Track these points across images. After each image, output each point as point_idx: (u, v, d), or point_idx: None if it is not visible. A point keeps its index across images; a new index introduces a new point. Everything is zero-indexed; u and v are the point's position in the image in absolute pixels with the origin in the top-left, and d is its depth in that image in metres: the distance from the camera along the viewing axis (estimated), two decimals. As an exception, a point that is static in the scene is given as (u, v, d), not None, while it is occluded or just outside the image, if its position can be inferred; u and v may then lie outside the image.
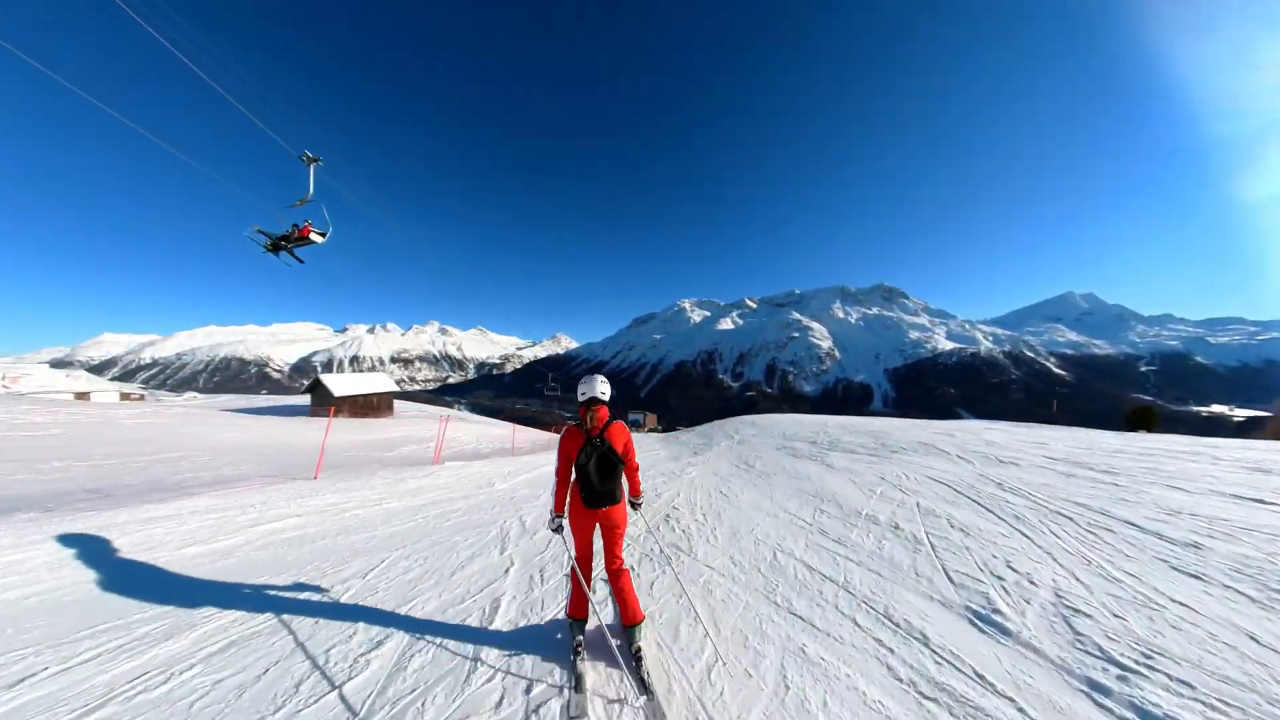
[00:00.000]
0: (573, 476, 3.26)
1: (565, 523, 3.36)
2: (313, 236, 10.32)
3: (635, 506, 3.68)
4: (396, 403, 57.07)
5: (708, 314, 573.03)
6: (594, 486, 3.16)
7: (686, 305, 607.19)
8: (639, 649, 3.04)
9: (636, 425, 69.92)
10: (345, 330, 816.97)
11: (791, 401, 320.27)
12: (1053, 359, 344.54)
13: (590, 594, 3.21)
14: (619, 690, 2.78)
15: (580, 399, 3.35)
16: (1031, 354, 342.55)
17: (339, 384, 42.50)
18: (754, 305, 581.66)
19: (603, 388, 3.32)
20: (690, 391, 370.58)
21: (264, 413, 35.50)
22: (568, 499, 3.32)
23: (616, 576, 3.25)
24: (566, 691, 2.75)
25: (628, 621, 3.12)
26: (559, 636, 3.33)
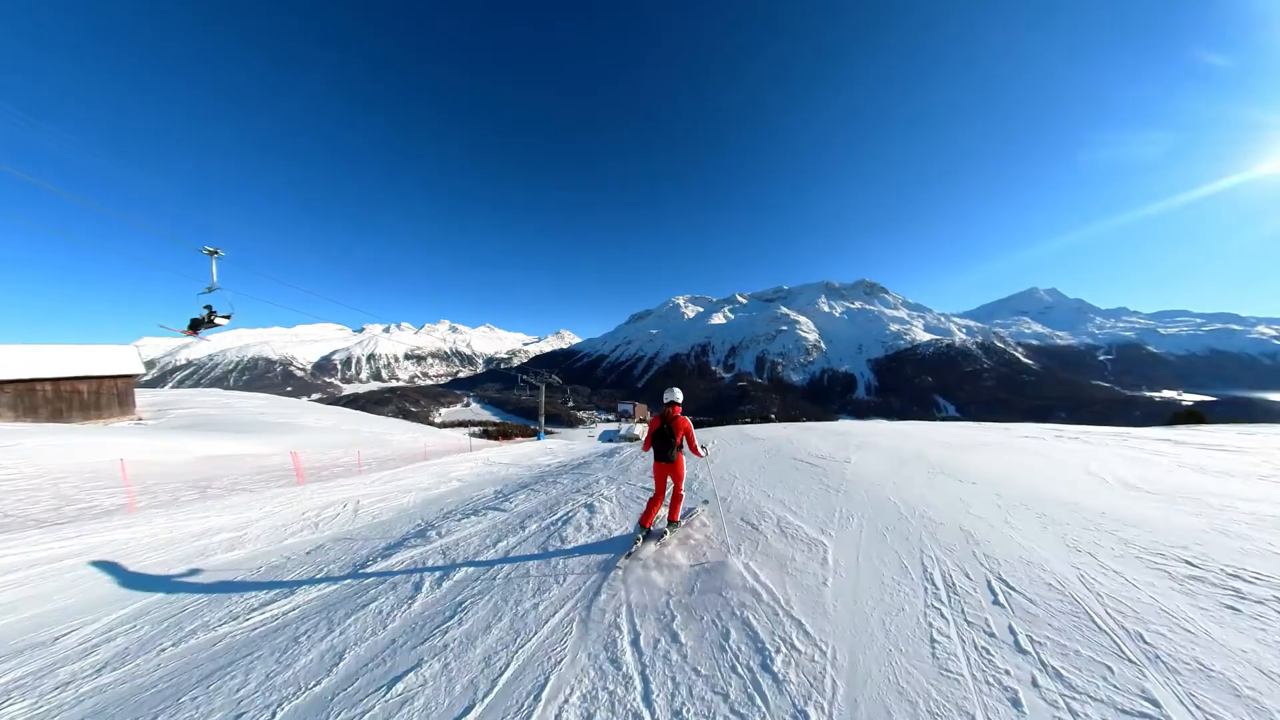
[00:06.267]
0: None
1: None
2: (217, 320, 11.08)
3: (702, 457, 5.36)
4: (182, 396, 35.24)
5: (700, 309, 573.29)
6: (660, 450, 5.06)
7: (680, 301, 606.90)
8: (668, 531, 5.18)
9: (626, 415, 70.24)
10: (363, 330, 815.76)
11: (781, 391, 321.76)
12: (1020, 349, 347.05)
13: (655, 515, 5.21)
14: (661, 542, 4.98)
15: (664, 401, 5.20)
16: (1001, 345, 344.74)
17: None
18: (744, 300, 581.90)
19: (678, 395, 5.24)
20: (685, 383, 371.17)
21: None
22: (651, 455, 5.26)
23: (676, 499, 5.27)
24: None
25: (672, 519, 5.28)
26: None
